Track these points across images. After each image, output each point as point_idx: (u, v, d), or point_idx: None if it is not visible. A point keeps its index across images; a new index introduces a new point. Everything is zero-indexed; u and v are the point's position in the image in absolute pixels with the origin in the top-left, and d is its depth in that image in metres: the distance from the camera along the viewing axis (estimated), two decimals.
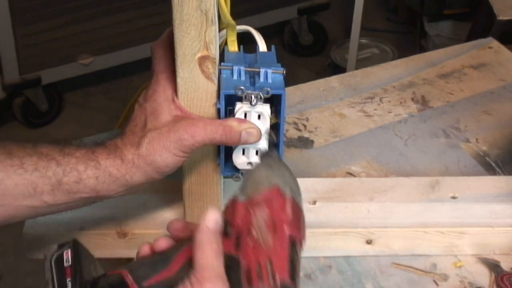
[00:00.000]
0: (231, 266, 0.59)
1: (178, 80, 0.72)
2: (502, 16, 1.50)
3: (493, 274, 0.83)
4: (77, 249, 0.64)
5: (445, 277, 0.83)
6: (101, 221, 0.83)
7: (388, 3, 2.76)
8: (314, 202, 0.86)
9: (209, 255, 0.59)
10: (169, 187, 0.86)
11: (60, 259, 0.62)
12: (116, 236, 0.83)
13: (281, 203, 0.60)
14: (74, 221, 0.83)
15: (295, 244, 0.59)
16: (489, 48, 1.21)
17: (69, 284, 0.61)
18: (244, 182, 0.63)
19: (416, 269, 0.84)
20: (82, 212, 0.83)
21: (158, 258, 0.63)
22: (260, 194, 0.60)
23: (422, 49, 2.33)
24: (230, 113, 0.73)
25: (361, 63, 2.18)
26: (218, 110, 0.73)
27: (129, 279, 0.61)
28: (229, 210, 0.62)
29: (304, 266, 0.84)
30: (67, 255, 0.63)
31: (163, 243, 0.65)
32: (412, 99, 1.11)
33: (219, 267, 0.59)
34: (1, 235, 1.82)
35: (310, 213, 0.84)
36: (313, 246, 0.84)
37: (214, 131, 0.70)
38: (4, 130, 2.21)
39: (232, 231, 0.60)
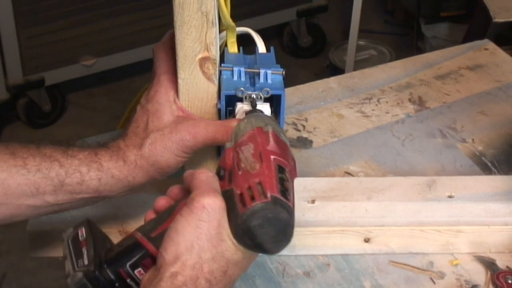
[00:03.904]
0: (228, 198, 0.62)
1: (179, 81, 0.73)
2: (497, 18, 1.51)
3: (489, 272, 0.83)
4: (90, 226, 0.67)
5: (441, 275, 0.83)
6: (103, 220, 0.84)
7: (386, 6, 2.77)
8: (313, 201, 0.86)
9: (203, 178, 0.63)
10: (170, 186, 0.86)
11: (75, 236, 0.66)
12: (118, 234, 0.83)
13: (264, 137, 0.64)
14: (76, 220, 0.83)
15: (283, 169, 0.62)
16: (485, 49, 1.22)
17: (85, 252, 0.64)
18: (232, 135, 0.67)
19: (413, 267, 0.84)
20: (84, 211, 0.83)
21: (162, 213, 0.66)
22: (244, 135, 0.64)
23: (419, 51, 2.33)
24: (230, 113, 0.74)
25: (359, 65, 2.19)
26: (219, 111, 0.74)
27: (138, 235, 0.65)
28: (221, 159, 0.66)
29: (303, 264, 0.84)
30: (82, 231, 0.66)
31: (162, 202, 0.67)
32: (409, 100, 1.11)
33: (214, 184, 0.63)
34: (5, 233, 1.82)
35: (309, 212, 0.85)
36: (312, 245, 0.85)
37: (215, 132, 0.71)
38: (8, 130, 2.21)
39: (225, 173, 0.64)
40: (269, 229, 0.60)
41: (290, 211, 0.60)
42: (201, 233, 0.60)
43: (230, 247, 0.61)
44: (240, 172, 0.62)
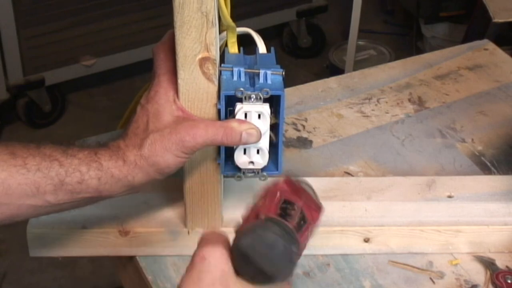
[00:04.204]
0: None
1: (179, 81, 0.73)
2: (497, 19, 1.51)
3: (488, 272, 0.83)
4: None
5: (441, 275, 0.84)
6: (103, 220, 0.84)
7: (385, 6, 2.77)
8: None
9: (207, 234, 0.63)
10: (170, 186, 0.87)
11: None
12: (118, 234, 0.84)
13: (275, 180, 0.63)
14: (76, 220, 0.84)
15: (290, 203, 0.61)
16: (485, 49, 1.22)
17: None
18: None
19: (413, 267, 0.85)
20: (84, 211, 0.83)
21: None
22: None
23: (419, 51, 2.34)
24: (230, 113, 0.74)
25: (359, 65, 2.19)
26: (219, 111, 0.74)
27: None
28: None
29: (303, 264, 0.84)
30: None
31: None
32: (409, 100, 1.12)
33: (217, 237, 0.62)
34: (5, 233, 1.83)
35: None
36: (312, 244, 0.84)
37: (215, 133, 0.71)
38: (8, 130, 2.22)
39: (242, 224, 0.63)
40: (262, 248, 0.56)
41: (287, 229, 0.57)
42: (202, 284, 0.59)
43: None
44: (247, 212, 0.61)
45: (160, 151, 0.71)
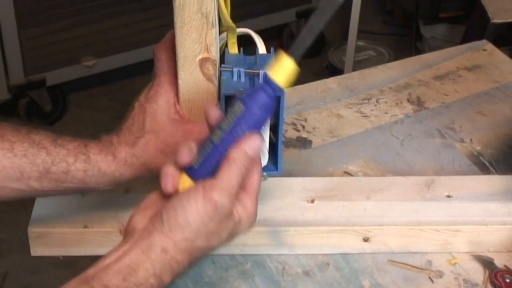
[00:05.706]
0: None
1: (179, 81, 0.73)
2: (496, 19, 1.52)
3: (487, 271, 0.84)
4: None
5: (440, 274, 0.84)
6: (104, 219, 0.84)
7: (385, 7, 2.78)
8: (313, 201, 0.87)
9: (231, 172, 0.61)
10: None
11: None
12: (119, 234, 0.84)
13: None
14: (78, 219, 0.84)
15: None
16: (483, 50, 1.22)
17: None
18: None
19: (412, 266, 0.85)
20: (86, 211, 0.84)
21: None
22: None
23: (418, 51, 2.34)
24: None
25: (358, 65, 2.19)
26: None
27: None
28: None
29: (303, 263, 0.85)
30: None
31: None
32: (408, 100, 1.12)
33: (233, 183, 0.61)
34: (6, 233, 1.83)
35: (308, 211, 0.86)
36: (311, 244, 0.85)
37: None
38: None
39: None
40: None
41: None
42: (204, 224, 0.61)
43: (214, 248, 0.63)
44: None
45: (153, 152, 0.71)
